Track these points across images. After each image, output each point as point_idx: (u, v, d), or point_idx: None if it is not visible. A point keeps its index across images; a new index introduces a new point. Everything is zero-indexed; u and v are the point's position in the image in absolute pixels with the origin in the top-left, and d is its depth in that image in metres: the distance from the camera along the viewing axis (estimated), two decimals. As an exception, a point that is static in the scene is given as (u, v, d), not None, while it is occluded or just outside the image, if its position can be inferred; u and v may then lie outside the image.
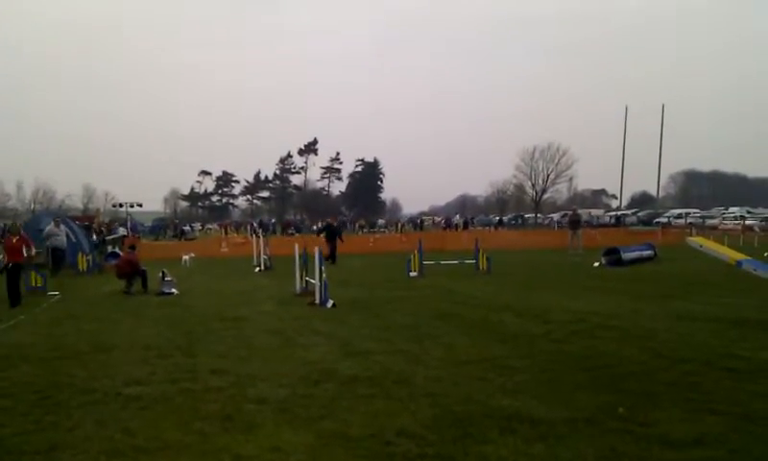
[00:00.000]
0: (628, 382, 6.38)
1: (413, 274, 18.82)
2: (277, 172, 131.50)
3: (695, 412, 5.36)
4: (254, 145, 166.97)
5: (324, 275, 12.57)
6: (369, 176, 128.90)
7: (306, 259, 14.79)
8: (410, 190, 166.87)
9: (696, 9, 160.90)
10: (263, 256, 22.71)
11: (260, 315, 11.47)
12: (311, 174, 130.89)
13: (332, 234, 24.54)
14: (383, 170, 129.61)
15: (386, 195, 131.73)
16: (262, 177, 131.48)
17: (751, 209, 65.92)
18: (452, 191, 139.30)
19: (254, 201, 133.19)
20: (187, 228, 67.91)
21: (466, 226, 64.96)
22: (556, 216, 75.17)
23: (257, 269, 22.20)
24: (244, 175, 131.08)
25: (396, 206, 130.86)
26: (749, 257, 10.65)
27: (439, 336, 9.06)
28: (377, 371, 6.98)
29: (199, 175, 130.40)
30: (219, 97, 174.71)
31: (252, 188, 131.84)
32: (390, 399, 5.89)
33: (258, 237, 26.48)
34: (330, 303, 12.21)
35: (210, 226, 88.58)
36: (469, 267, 20.08)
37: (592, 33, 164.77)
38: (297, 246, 15.58)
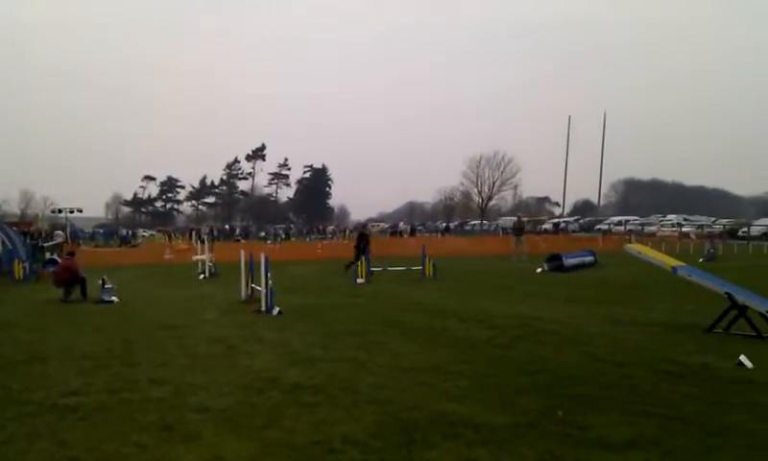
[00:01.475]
0: (568, 386, 6.52)
1: (360, 280, 18.85)
2: (224, 177, 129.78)
3: (631, 415, 5.51)
4: (201, 150, 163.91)
5: (270, 281, 12.45)
6: (317, 182, 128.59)
7: (252, 266, 14.63)
8: (358, 197, 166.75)
9: (637, 21, 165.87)
10: (208, 263, 22.36)
11: (203, 323, 11.28)
12: (258, 179, 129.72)
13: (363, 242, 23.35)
14: (331, 176, 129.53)
15: (334, 201, 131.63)
16: (208, 182, 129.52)
17: (687, 217, 68.55)
18: (400, 198, 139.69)
19: (200, 206, 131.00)
20: (124, 232, 66.22)
21: (413, 232, 65.35)
22: (502, 222, 76.41)
23: (202, 276, 21.82)
24: (189, 180, 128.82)
25: (344, 213, 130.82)
26: (684, 264, 11.02)
27: (385, 343, 9.08)
28: (322, 378, 6.95)
29: (142, 180, 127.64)
30: (163, 101, 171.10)
31: (197, 194, 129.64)
32: (335, 406, 5.87)
33: (203, 243, 26.06)
34: (276, 310, 12.11)
35: (148, 232, 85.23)
36: (416, 273, 20.22)
37: (537, 43, 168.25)
38: (243, 252, 15.42)
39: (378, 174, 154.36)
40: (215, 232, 69.21)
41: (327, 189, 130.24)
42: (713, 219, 66.80)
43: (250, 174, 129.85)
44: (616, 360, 7.77)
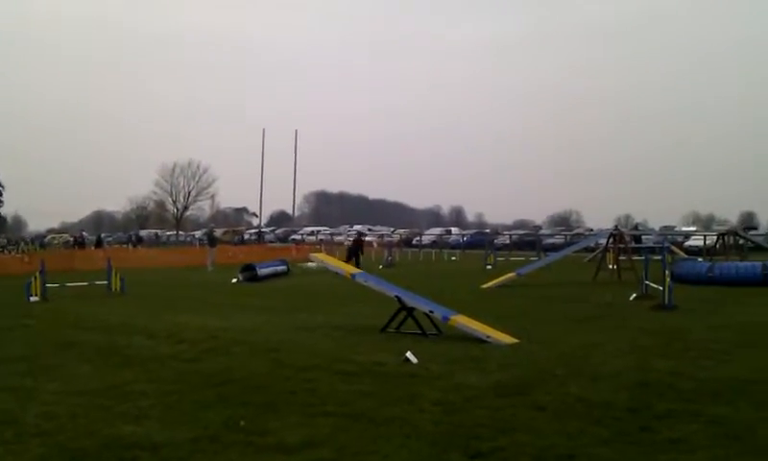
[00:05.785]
0: (253, 394, 6.65)
1: (34, 298, 16.91)
2: None
3: (310, 416, 5.83)
4: None
5: None
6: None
7: None
8: (36, 204, 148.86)
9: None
10: None
11: None
12: None
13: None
14: (1, 182, 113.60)
15: (6, 210, 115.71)
16: None
17: (371, 227, 74.82)
18: (87, 206, 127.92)
19: None
20: None
21: (99, 243, 60.60)
22: (198, 233, 75.01)
23: None
24: None
25: (19, 223, 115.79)
26: (361, 271, 12.06)
27: (58, 367, 8.27)
28: (-22, 413, 6.08)
29: None
30: None
31: None
32: (-9, 443, 5.18)
33: None
34: None
35: None
36: (101, 288, 18.83)
37: (225, 56, 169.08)
38: None
39: (59, 179, 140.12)
40: None
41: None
42: (392, 229, 73.89)
43: None
44: (300, 365, 8.12)
